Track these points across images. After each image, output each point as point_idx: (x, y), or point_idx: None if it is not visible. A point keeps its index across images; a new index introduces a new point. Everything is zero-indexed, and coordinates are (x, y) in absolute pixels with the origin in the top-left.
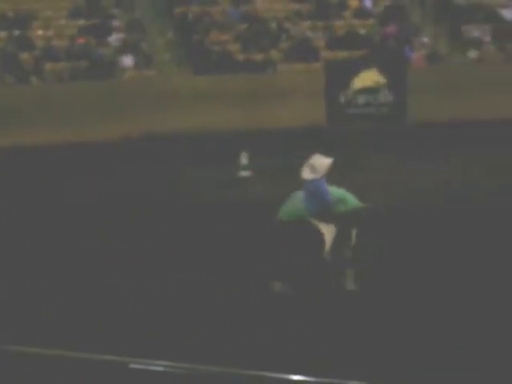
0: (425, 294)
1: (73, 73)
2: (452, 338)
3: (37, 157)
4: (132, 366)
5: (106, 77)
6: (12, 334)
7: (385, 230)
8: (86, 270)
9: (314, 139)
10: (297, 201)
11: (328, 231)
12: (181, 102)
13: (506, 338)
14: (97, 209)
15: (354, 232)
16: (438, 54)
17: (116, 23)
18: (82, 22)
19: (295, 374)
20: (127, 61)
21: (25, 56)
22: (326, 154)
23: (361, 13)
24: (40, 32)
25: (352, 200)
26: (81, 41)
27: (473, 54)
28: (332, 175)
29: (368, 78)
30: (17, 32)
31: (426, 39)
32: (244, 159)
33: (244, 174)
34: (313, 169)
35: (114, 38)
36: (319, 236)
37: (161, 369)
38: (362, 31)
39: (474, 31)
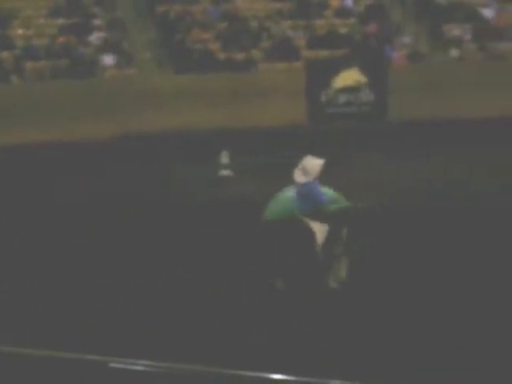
0: (411, 292)
1: (53, 72)
2: (440, 336)
3: (16, 156)
4: (112, 365)
5: (86, 76)
6: None
7: (373, 229)
8: (68, 270)
9: (296, 138)
10: (284, 200)
11: (320, 230)
12: (162, 101)
13: (494, 332)
14: (77, 207)
15: (344, 231)
16: (418, 53)
17: (97, 22)
18: (62, 20)
19: (277, 373)
20: (108, 60)
21: (5, 55)
22: (308, 153)
23: (342, 12)
24: (20, 31)
25: (342, 200)
26: (61, 40)
27: (453, 52)
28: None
29: (349, 77)
30: None
31: (406, 38)
32: (225, 158)
33: (225, 173)
34: (305, 171)
35: (95, 37)
36: (308, 235)
37: (141, 368)
38: (343, 30)
39: (455, 30)
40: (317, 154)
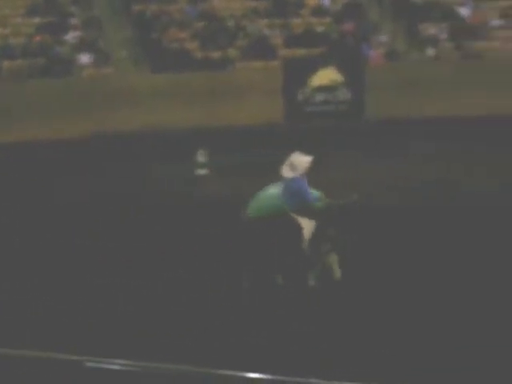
0: (394, 288)
1: (30, 71)
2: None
3: None
4: (88, 364)
5: (63, 75)
6: None
7: (352, 226)
8: (41, 268)
9: (272, 137)
10: (269, 197)
11: (308, 226)
12: (138, 100)
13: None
14: (52, 205)
15: (331, 227)
16: (395, 51)
17: (73, 21)
18: (39, 19)
19: (253, 371)
20: (84, 58)
21: None
22: (284, 152)
23: (318, 10)
24: None
25: (325, 199)
26: (38, 39)
27: (430, 51)
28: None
29: (326, 75)
30: None
31: (383, 37)
32: (201, 157)
33: (201, 172)
34: (292, 167)
35: (71, 36)
36: (294, 231)
37: (117, 367)
38: (320, 29)
39: (431, 29)
40: (293, 152)
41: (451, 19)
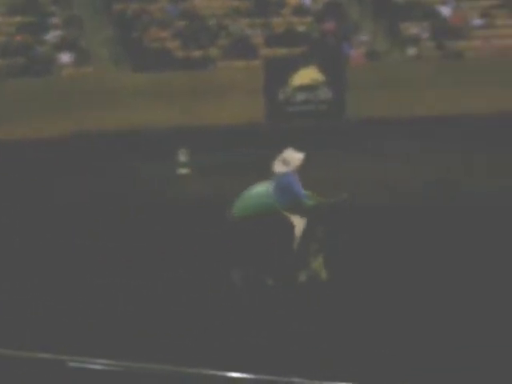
0: (373, 287)
1: (10, 70)
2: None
3: None
4: (71, 364)
5: (43, 74)
6: None
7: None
8: (21, 267)
9: (254, 137)
10: (257, 196)
11: (298, 224)
12: (119, 100)
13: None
14: (32, 205)
15: (320, 225)
16: (376, 51)
17: (54, 20)
18: (19, 19)
19: (233, 371)
20: (65, 58)
21: None
22: (265, 151)
23: (299, 10)
24: None
25: (315, 198)
26: (18, 38)
27: (411, 51)
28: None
29: (307, 75)
30: None
31: (364, 36)
32: (183, 156)
33: (183, 171)
34: (285, 162)
35: (52, 35)
36: (282, 229)
37: (99, 367)
38: (301, 28)
39: (413, 28)
40: (274, 152)
41: (432, 19)
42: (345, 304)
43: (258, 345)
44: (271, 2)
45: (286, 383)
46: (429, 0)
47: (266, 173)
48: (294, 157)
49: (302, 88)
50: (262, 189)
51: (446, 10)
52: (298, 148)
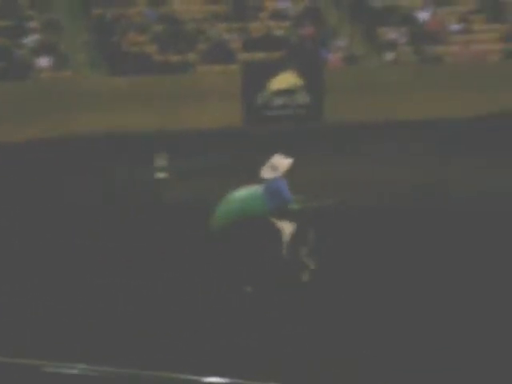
0: (356, 288)
1: None
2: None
3: None
4: (45, 369)
5: (22, 78)
6: None
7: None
8: None
9: (232, 141)
10: (239, 200)
11: (287, 228)
12: (98, 104)
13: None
14: (11, 209)
15: (310, 229)
16: (354, 55)
17: (32, 24)
18: None
19: (213, 375)
20: (43, 62)
21: None
22: (243, 155)
23: (277, 14)
24: None
25: (302, 201)
26: None
27: (389, 55)
28: (253, 177)
29: (285, 79)
30: None
31: (342, 41)
32: (161, 161)
33: (161, 175)
34: (273, 168)
35: (30, 39)
36: (271, 234)
37: (74, 372)
38: (279, 33)
39: (390, 33)
40: (253, 156)
41: (410, 24)
42: (335, 307)
43: (235, 349)
44: (249, 6)
45: None
46: (406, 5)
47: (245, 176)
48: (282, 162)
49: (280, 92)
50: (245, 193)
51: (423, 15)
52: (277, 151)
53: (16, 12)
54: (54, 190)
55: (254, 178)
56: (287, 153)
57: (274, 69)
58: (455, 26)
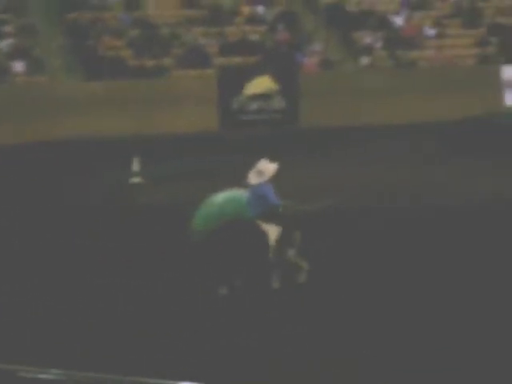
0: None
1: None
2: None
3: None
4: (20, 374)
5: None
6: None
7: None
8: None
9: (207, 146)
10: (218, 204)
11: (272, 231)
12: (73, 108)
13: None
14: None
15: (296, 231)
16: (330, 60)
17: (7, 28)
18: None
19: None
20: (18, 66)
21: None
22: (219, 160)
23: (253, 19)
24: None
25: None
26: None
27: (364, 60)
28: (229, 181)
29: (261, 84)
30: None
31: (318, 46)
32: (136, 165)
33: (136, 180)
34: (259, 173)
35: (5, 44)
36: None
37: (50, 377)
38: (255, 37)
39: (366, 38)
40: (229, 160)
41: (385, 28)
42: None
43: (211, 354)
44: (225, 11)
45: None
46: (382, 9)
47: (221, 181)
48: (268, 167)
49: (256, 97)
50: (226, 196)
51: (398, 20)
52: (252, 156)
53: None
54: (28, 195)
55: (230, 182)
56: (263, 157)
57: (249, 73)
58: (430, 31)
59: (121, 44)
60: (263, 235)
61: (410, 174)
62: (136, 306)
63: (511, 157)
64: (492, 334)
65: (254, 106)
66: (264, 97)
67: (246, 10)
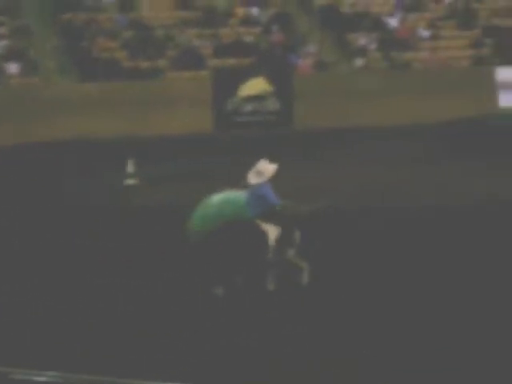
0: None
1: None
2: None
3: None
4: (13, 376)
5: None
6: None
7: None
8: None
9: (202, 147)
10: (216, 205)
11: (272, 231)
12: (67, 110)
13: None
14: None
15: (295, 231)
16: (324, 62)
17: (1, 30)
18: None
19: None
20: (12, 68)
21: None
22: (214, 161)
23: (247, 21)
24: None
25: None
26: None
27: (359, 61)
28: (223, 182)
29: (255, 85)
30: None
31: (312, 47)
32: (131, 167)
33: (131, 181)
34: (259, 174)
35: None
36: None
37: (43, 379)
38: (249, 39)
39: (360, 39)
40: (223, 161)
41: (380, 30)
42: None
43: (203, 356)
44: (219, 12)
45: None
46: (376, 11)
47: (215, 182)
48: (267, 168)
49: (250, 98)
50: (224, 197)
51: (393, 22)
52: (247, 157)
53: None
54: (23, 197)
55: (224, 183)
56: (257, 159)
57: (244, 75)
58: (424, 33)
59: (115, 45)
60: (263, 235)
61: (405, 175)
62: (133, 307)
63: (506, 158)
64: (490, 334)
65: (249, 107)
66: (258, 98)
67: (240, 11)
